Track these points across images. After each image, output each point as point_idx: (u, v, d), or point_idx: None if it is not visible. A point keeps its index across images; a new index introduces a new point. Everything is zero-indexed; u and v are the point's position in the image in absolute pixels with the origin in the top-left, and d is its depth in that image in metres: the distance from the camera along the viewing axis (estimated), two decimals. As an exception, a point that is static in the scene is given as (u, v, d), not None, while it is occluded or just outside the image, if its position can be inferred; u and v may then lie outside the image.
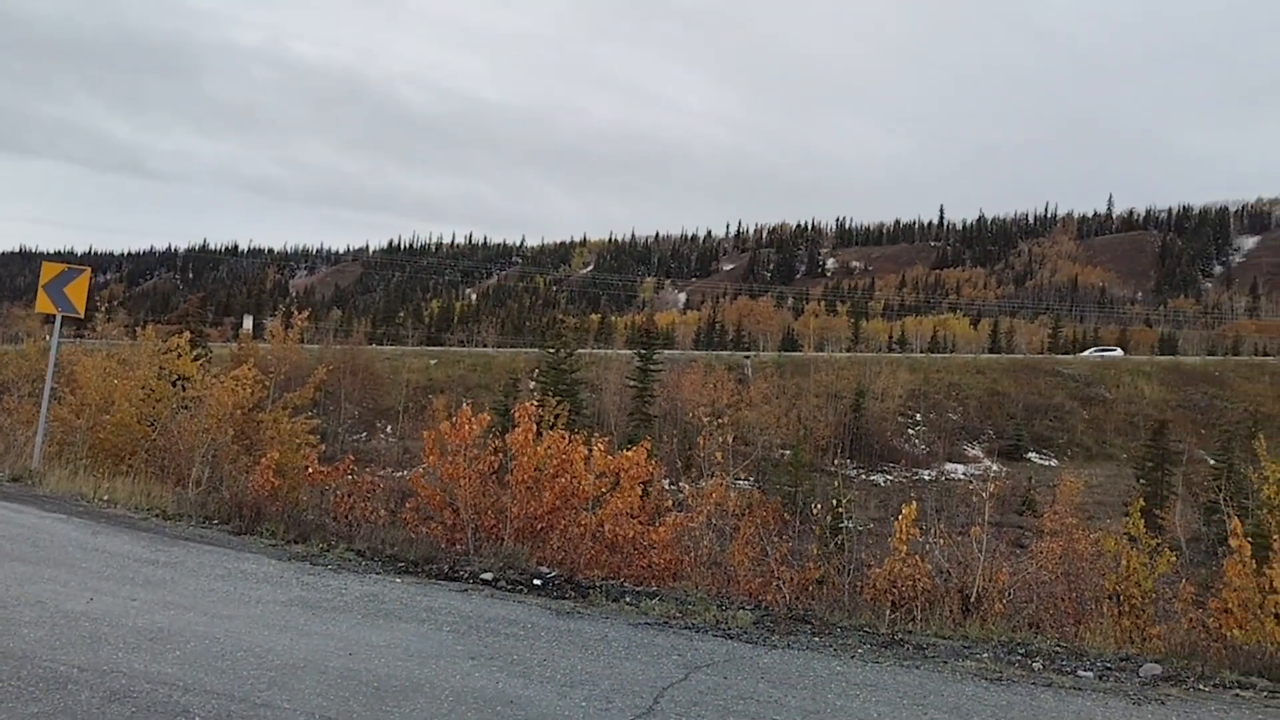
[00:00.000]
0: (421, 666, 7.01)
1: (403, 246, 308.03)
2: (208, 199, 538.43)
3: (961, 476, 55.35)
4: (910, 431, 68.30)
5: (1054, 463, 64.64)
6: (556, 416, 36.54)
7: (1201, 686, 8.51)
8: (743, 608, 10.98)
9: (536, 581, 10.80)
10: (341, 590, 9.55)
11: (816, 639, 9.63)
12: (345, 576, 10.23)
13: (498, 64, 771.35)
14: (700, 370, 64.69)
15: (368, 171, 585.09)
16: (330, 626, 8.03)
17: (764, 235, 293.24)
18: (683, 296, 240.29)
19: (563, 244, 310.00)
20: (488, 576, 10.65)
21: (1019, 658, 9.36)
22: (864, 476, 58.35)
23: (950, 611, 12.36)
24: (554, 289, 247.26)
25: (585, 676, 7.11)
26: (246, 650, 6.92)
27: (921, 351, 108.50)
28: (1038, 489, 48.60)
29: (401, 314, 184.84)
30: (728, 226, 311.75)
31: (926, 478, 58.89)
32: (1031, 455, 66.25)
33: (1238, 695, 8.24)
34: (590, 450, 15.05)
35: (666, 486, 26.16)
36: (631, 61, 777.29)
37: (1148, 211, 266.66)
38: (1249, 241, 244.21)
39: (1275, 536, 12.74)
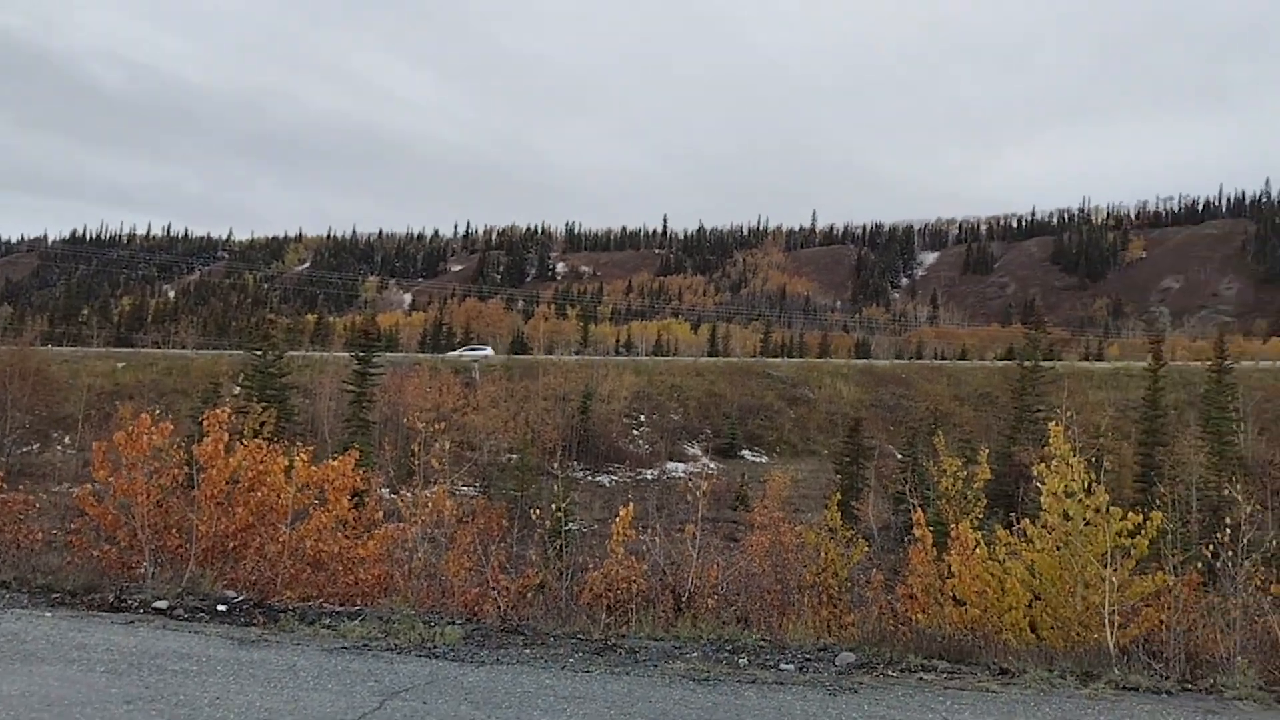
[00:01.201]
0: (61, 718, 6.00)
1: (89, 237, 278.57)
2: None
3: (682, 475, 57.32)
4: (635, 432, 70.12)
5: (765, 459, 68.55)
6: (263, 424, 34.23)
7: (890, 672, 8.97)
8: (453, 623, 10.48)
9: (221, 607, 9.75)
10: (-31, 632, 8.13)
11: (528, 651, 9.32)
12: (-22, 615, 8.75)
13: (203, 45, 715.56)
14: (425, 373, 63.09)
15: (48, 154, 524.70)
16: (-56, 679, 6.75)
17: (494, 237, 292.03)
18: (408, 297, 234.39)
19: (276, 239, 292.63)
20: (162, 605, 9.48)
21: (727, 654, 9.49)
22: (590, 478, 59.17)
23: (664, 611, 12.46)
24: (265, 287, 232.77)
25: (264, 714, 6.37)
26: None
27: (646, 354, 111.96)
28: (750, 485, 51.29)
29: (85, 311, 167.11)
30: (456, 227, 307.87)
31: (649, 477, 60.60)
32: (745, 453, 69.91)
33: (921, 679, 8.74)
34: (292, 460, 13.91)
35: (387, 496, 24.98)
36: (354, 52, 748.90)
37: (846, 227, 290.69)
38: (930, 256, 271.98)
39: (952, 525, 13.83)
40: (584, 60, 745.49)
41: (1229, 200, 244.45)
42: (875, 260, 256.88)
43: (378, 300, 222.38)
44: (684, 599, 12.85)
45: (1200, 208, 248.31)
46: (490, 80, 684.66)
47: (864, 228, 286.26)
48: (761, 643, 10.18)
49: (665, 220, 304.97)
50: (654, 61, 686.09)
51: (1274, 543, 14.09)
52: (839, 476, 49.61)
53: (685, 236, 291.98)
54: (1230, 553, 11.73)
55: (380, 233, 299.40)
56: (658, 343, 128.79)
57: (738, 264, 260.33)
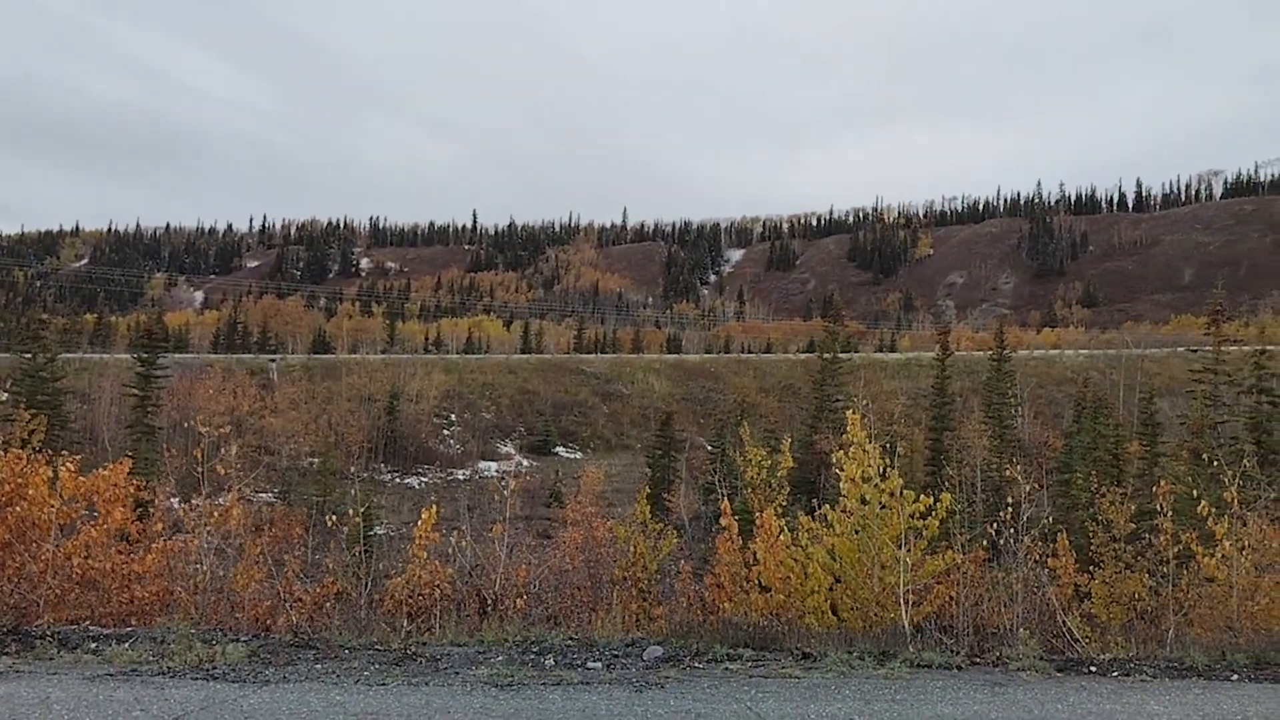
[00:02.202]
0: None
1: None
2: None
3: (495, 474, 56.57)
4: (446, 432, 68.60)
5: (580, 455, 68.64)
6: (32, 432, 31.18)
7: (697, 664, 8.90)
8: (237, 640, 9.69)
9: (-42, 640, 8.60)
10: None
11: (320, 666, 8.70)
12: None
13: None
14: (218, 375, 59.44)
15: None
16: None
17: (293, 232, 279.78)
18: (200, 295, 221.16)
19: (49, 233, 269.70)
20: (-118, 642, 8.27)
21: (533, 656, 9.17)
22: (399, 480, 57.41)
23: (470, 615, 12.02)
24: (37, 284, 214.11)
25: (-2, 761, 5.56)
26: None
27: (457, 353, 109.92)
28: (564, 481, 51.13)
29: None
30: (252, 221, 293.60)
31: (461, 477, 59.41)
32: (560, 449, 69.78)
33: (727, 669, 8.70)
34: (56, 470, 12.62)
35: (175, 506, 23.25)
36: (139, 38, 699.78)
37: (656, 225, 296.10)
38: (737, 254, 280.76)
39: (758, 513, 14.03)
40: (391, 54, 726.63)
41: (1006, 201, 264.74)
42: (685, 257, 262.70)
43: (166, 298, 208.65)
44: (491, 601, 12.44)
45: (981, 208, 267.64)
46: (292, 73, 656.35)
47: (674, 225, 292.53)
48: (569, 642, 9.92)
49: (475, 216, 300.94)
50: (464, 57, 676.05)
51: (1049, 519, 15.12)
52: (651, 470, 50.13)
53: (497, 232, 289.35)
54: (1012, 529, 12.40)
55: (169, 227, 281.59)
56: (469, 340, 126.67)
57: (550, 260, 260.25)
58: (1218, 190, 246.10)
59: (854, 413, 13.71)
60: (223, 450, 14.95)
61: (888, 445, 14.08)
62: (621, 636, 10.23)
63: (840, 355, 55.63)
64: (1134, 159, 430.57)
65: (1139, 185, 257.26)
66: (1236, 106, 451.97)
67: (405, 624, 11.53)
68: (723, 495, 16.24)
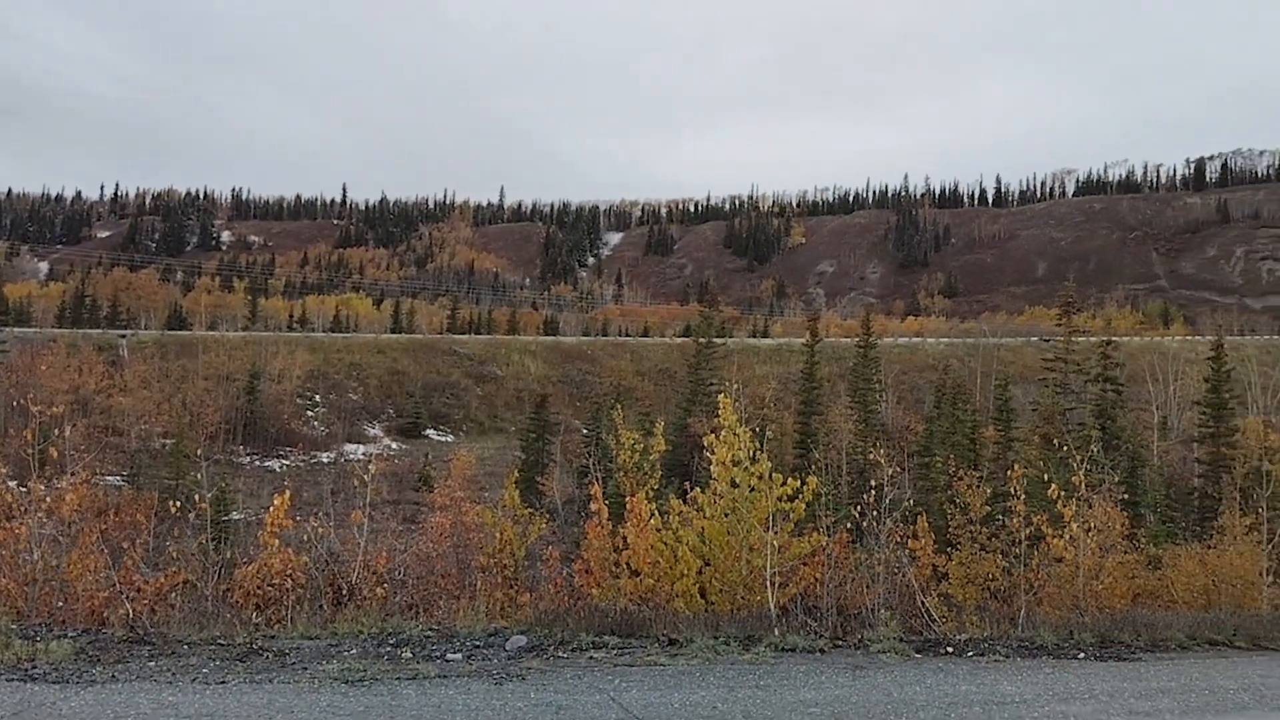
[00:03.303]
0: None
1: None
2: None
3: (361, 457, 55.08)
4: (310, 413, 66.36)
5: (451, 438, 67.47)
6: None
7: (561, 653, 8.65)
8: (65, 635, 8.97)
9: None
10: None
11: (154, 663, 8.10)
12: None
13: None
14: (62, 350, 55.87)
15: None
16: None
17: (148, 201, 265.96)
18: (45, 266, 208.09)
19: None
20: None
21: (389, 648, 8.77)
22: (259, 463, 55.23)
23: (324, 606, 11.48)
24: None
25: None
26: None
27: (324, 331, 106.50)
28: (434, 464, 50.16)
29: None
30: (103, 189, 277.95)
31: (325, 460, 57.55)
32: (430, 432, 68.41)
33: (592, 658, 8.49)
34: None
35: (15, 489, 21.69)
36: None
37: (534, 205, 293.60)
38: (615, 237, 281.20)
39: (629, 497, 13.88)
40: (257, 17, 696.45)
41: (875, 193, 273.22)
42: (563, 239, 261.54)
43: (7, 269, 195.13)
44: (348, 591, 11.92)
45: (851, 199, 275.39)
46: (149, 31, 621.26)
47: (552, 206, 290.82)
48: (429, 632, 9.55)
49: (345, 189, 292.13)
50: (338, 23, 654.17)
51: (910, 501, 15.49)
52: (524, 453, 49.66)
53: (367, 207, 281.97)
54: (875, 512, 12.61)
55: (10, 192, 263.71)
56: (336, 319, 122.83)
57: (424, 238, 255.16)
58: (1070, 188, 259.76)
59: (726, 397, 13.69)
60: (56, 431, 13.91)
61: (758, 429, 14.11)
62: (484, 626, 9.91)
63: (715, 340, 56.25)
64: (995, 156, 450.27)
65: (999, 181, 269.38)
66: (1089, 109, 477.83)
67: (254, 616, 10.93)
68: (596, 479, 16.03)
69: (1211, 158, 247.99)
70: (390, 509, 39.00)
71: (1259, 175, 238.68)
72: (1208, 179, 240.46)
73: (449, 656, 8.46)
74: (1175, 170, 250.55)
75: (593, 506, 14.44)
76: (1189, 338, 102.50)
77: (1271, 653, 10.29)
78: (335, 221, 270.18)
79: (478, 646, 8.90)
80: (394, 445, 63.37)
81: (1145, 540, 20.24)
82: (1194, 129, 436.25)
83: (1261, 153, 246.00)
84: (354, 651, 8.59)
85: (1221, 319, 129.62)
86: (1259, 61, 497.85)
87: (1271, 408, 58.68)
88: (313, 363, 72.00)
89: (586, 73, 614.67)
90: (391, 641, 9.05)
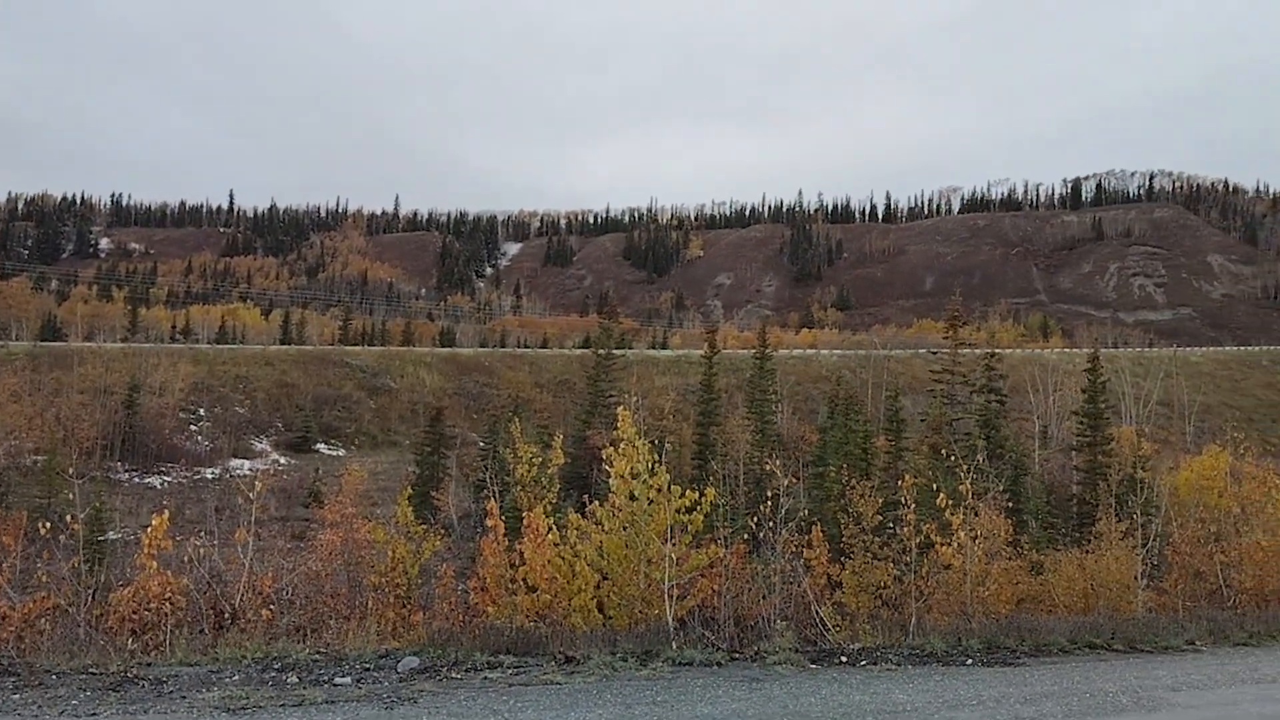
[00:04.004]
0: None
1: None
2: None
3: (248, 472, 53.24)
4: (193, 427, 63.84)
5: (342, 452, 65.79)
6: None
7: (454, 674, 8.44)
8: (-86, 671, 8.35)
9: None
10: None
11: (19, 696, 7.63)
12: None
13: None
14: (-78, 363, 52.57)
15: None
16: None
17: (20, 206, 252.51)
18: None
19: None
20: None
21: (274, 674, 8.43)
22: (138, 480, 52.85)
23: (205, 631, 10.98)
24: None
25: None
26: None
27: (209, 342, 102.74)
28: (325, 480, 48.81)
29: None
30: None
31: (210, 476, 55.40)
32: (320, 446, 66.55)
33: (487, 678, 8.30)
34: None
35: None
36: None
37: (430, 214, 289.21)
38: (514, 247, 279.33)
39: (526, 512, 13.70)
40: (138, 16, 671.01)
41: (771, 208, 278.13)
42: (460, 249, 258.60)
43: None
44: (231, 614, 11.43)
45: (748, 213, 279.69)
46: (23, 28, 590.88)
47: (449, 215, 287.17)
48: (317, 656, 9.22)
49: (232, 196, 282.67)
50: (227, 24, 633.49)
51: (805, 511, 15.71)
52: (419, 468, 48.74)
53: (256, 215, 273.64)
54: (771, 522, 12.74)
55: None
56: (222, 329, 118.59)
57: (315, 247, 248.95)
58: (956, 205, 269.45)
59: (625, 409, 13.65)
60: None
61: (657, 441, 14.12)
62: (376, 648, 9.63)
63: (614, 352, 56.32)
64: (885, 173, 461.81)
65: (888, 198, 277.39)
66: (974, 129, 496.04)
67: (130, 643, 10.38)
68: (493, 493, 15.79)
69: (1087, 178, 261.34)
70: (278, 526, 37.79)
71: (1130, 195, 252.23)
72: (1083, 198, 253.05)
73: (337, 681, 8.17)
74: (1054, 189, 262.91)
75: (489, 522, 14.21)
76: (1067, 350, 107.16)
77: (1147, 655, 10.74)
78: (222, 229, 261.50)
79: (368, 669, 8.64)
80: (283, 460, 61.45)
81: (1028, 546, 20.94)
82: (1071, 150, 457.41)
83: (1133, 174, 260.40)
84: (236, 678, 8.23)
85: (1097, 332, 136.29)
86: (1130, 86, 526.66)
87: (1143, 417, 61.78)
88: (197, 375, 69.34)
89: (486, 82, 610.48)
90: (277, 666, 8.71)
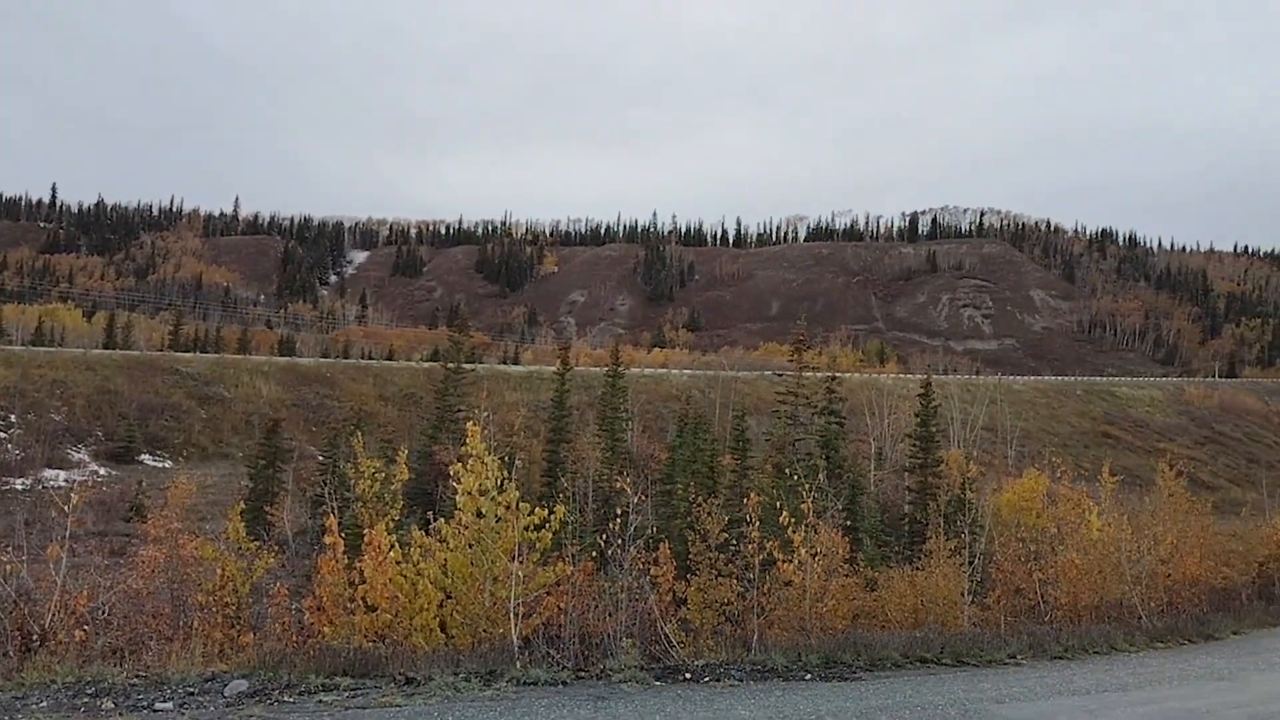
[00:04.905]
0: None
1: None
2: None
3: (63, 484, 49.71)
4: (3, 435, 59.18)
5: (169, 464, 62.24)
6: None
7: (287, 698, 8.06)
8: None
9: None
10: None
11: None
12: None
13: None
14: None
15: None
16: None
17: None
18: None
19: None
20: None
21: (88, 699, 7.85)
22: (-64, 490, 48.57)
23: (9, 654, 10.14)
24: None
25: None
26: None
27: (23, 344, 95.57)
28: (149, 493, 46.06)
29: None
30: None
31: (20, 487, 51.38)
32: (145, 457, 62.72)
33: (321, 701, 7.96)
34: None
35: None
36: None
37: (273, 218, 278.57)
38: (361, 256, 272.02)
39: (368, 529, 13.27)
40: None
41: (626, 228, 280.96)
42: (304, 255, 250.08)
43: None
44: (40, 635, 10.60)
45: (603, 232, 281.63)
46: None
47: (292, 220, 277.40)
48: (135, 680, 8.64)
49: (55, 190, 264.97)
50: (42, 8, 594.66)
51: (653, 528, 15.80)
52: (252, 481, 46.59)
53: (81, 211, 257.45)
54: (620, 539, 12.75)
55: None
56: (39, 331, 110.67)
57: (146, 247, 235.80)
58: (802, 233, 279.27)
59: (475, 424, 13.44)
60: None
61: (507, 457, 13.94)
62: (201, 670, 9.10)
63: (464, 365, 55.35)
64: (736, 199, 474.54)
65: (739, 224, 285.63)
66: (820, 160, 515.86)
67: (-82, 670, 9.46)
68: (332, 509, 15.20)
69: (923, 212, 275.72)
70: (96, 541, 35.29)
71: (962, 230, 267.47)
72: (920, 231, 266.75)
73: (158, 706, 7.68)
74: (893, 222, 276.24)
75: (327, 539, 13.70)
76: (902, 376, 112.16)
77: (973, 668, 11.28)
78: (42, 224, 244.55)
79: (192, 694, 8.15)
80: (103, 471, 57.63)
81: (863, 564, 21.70)
82: (910, 185, 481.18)
83: (965, 210, 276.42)
84: (44, 704, 7.63)
85: (929, 359, 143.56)
86: (962, 125, 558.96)
87: (970, 441, 65.24)
88: (9, 378, 64.32)
89: (335, 87, 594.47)
90: (90, 691, 8.11)
